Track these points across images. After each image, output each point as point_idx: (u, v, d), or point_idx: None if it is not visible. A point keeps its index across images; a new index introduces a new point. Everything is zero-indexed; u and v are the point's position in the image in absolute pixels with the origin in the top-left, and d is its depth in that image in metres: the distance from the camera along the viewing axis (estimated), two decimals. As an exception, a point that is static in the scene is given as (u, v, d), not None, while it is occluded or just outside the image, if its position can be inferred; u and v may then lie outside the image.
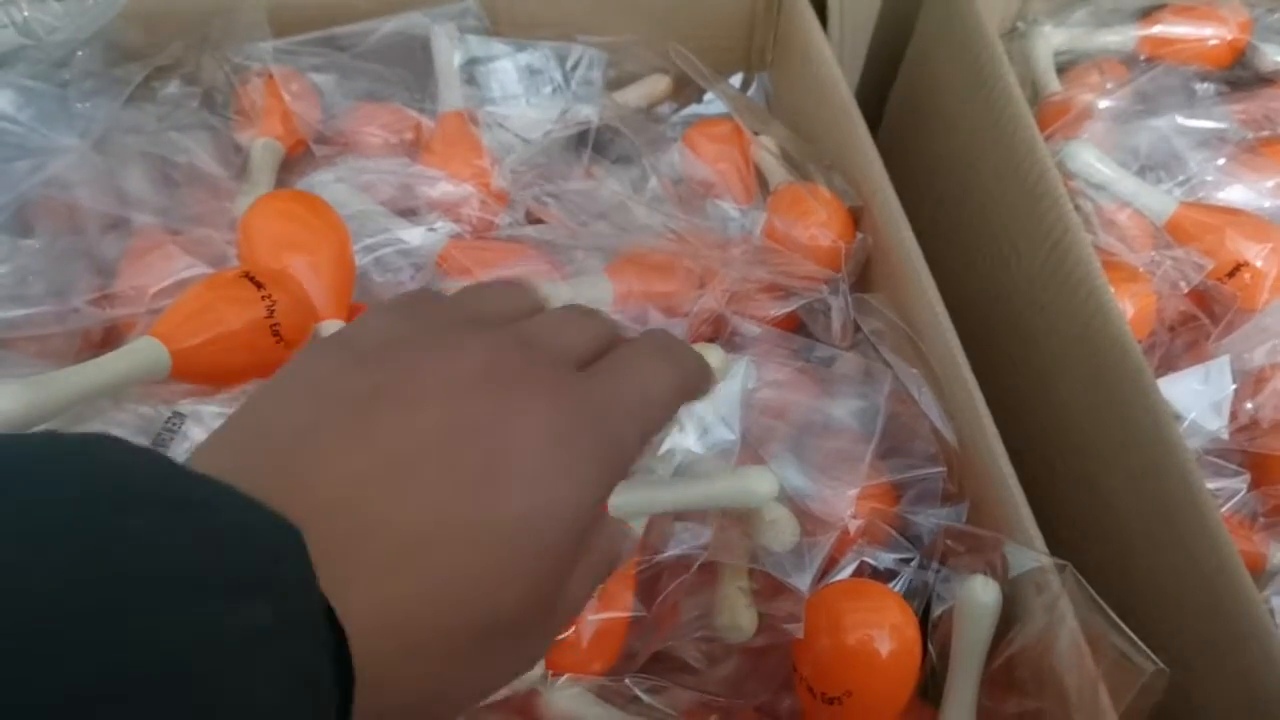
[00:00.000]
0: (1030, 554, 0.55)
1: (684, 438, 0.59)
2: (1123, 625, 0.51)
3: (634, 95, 0.87)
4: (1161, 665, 0.49)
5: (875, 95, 0.97)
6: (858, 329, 0.69)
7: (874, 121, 0.97)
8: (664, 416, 0.38)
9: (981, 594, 0.55)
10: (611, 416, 0.35)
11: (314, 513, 0.28)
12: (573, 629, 0.55)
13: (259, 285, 0.56)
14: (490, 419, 0.32)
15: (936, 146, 0.86)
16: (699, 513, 0.57)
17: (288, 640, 0.24)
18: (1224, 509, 0.68)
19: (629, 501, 0.52)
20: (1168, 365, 0.74)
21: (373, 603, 0.28)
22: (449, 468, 0.30)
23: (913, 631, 0.55)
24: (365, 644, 0.27)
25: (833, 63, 0.77)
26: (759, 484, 0.55)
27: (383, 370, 0.33)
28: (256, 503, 0.26)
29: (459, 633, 0.30)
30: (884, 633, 0.54)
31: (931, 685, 0.58)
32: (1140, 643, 0.50)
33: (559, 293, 0.66)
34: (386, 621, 0.28)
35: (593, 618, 0.55)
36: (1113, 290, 0.67)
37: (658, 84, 0.87)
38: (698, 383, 0.41)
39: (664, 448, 0.59)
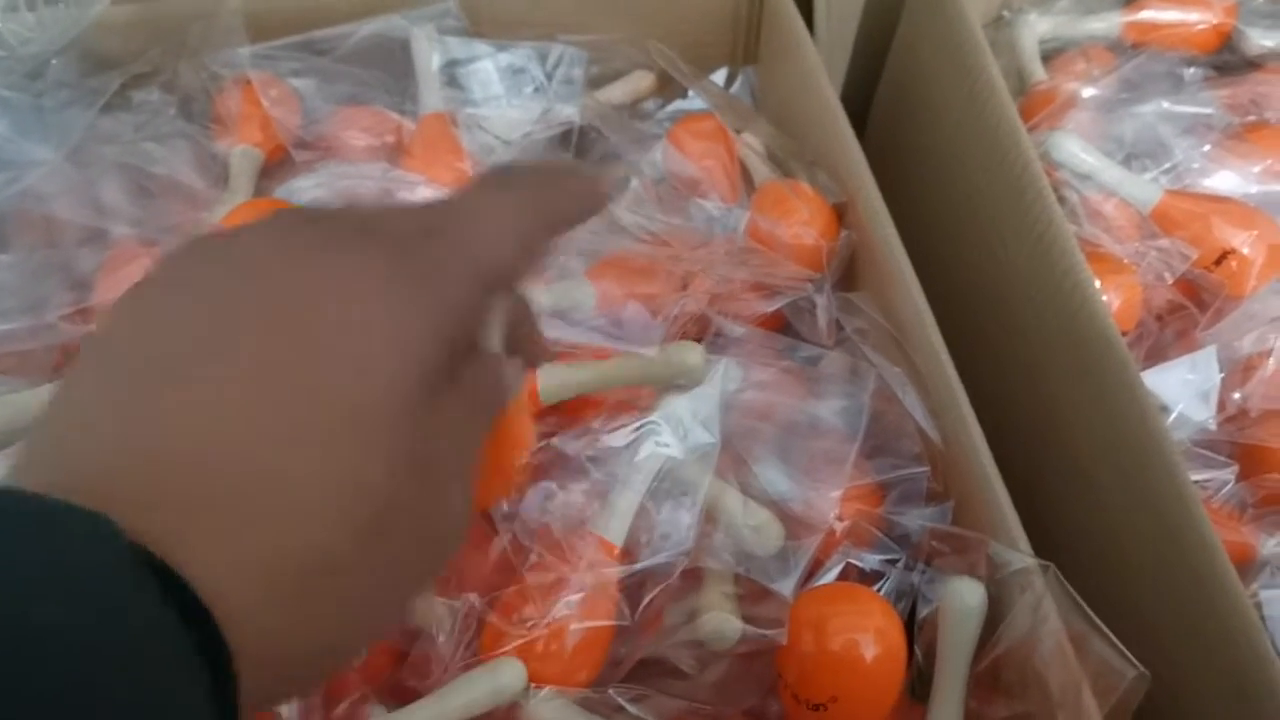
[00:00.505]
0: (1014, 554, 0.55)
1: (663, 441, 0.59)
2: (1104, 628, 0.50)
3: (618, 92, 0.86)
4: (1142, 670, 0.49)
5: (864, 86, 0.96)
6: (841, 328, 0.68)
7: (864, 113, 0.96)
8: (512, 257, 0.36)
9: (966, 596, 0.55)
10: (441, 272, 0.33)
11: (156, 469, 0.27)
12: (554, 638, 0.54)
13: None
14: (306, 300, 0.30)
15: (924, 139, 0.85)
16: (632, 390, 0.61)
17: (120, 631, 0.23)
18: (1213, 500, 0.67)
19: (554, 384, 0.59)
20: (1158, 354, 0.73)
21: (240, 552, 0.26)
22: (272, 370, 0.29)
23: (897, 635, 0.54)
24: (238, 599, 0.26)
25: (815, 58, 0.77)
26: (688, 355, 0.60)
27: (193, 279, 0.31)
28: (63, 503, 0.25)
29: (340, 544, 0.28)
30: (868, 637, 0.54)
31: (919, 684, 0.57)
32: (1121, 646, 0.50)
33: (539, 298, 0.66)
34: (261, 564, 0.27)
35: (576, 626, 0.54)
36: (1098, 282, 0.67)
37: (641, 80, 0.87)
38: (570, 207, 0.38)
39: (642, 453, 0.58)
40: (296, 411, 0.28)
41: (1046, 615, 0.53)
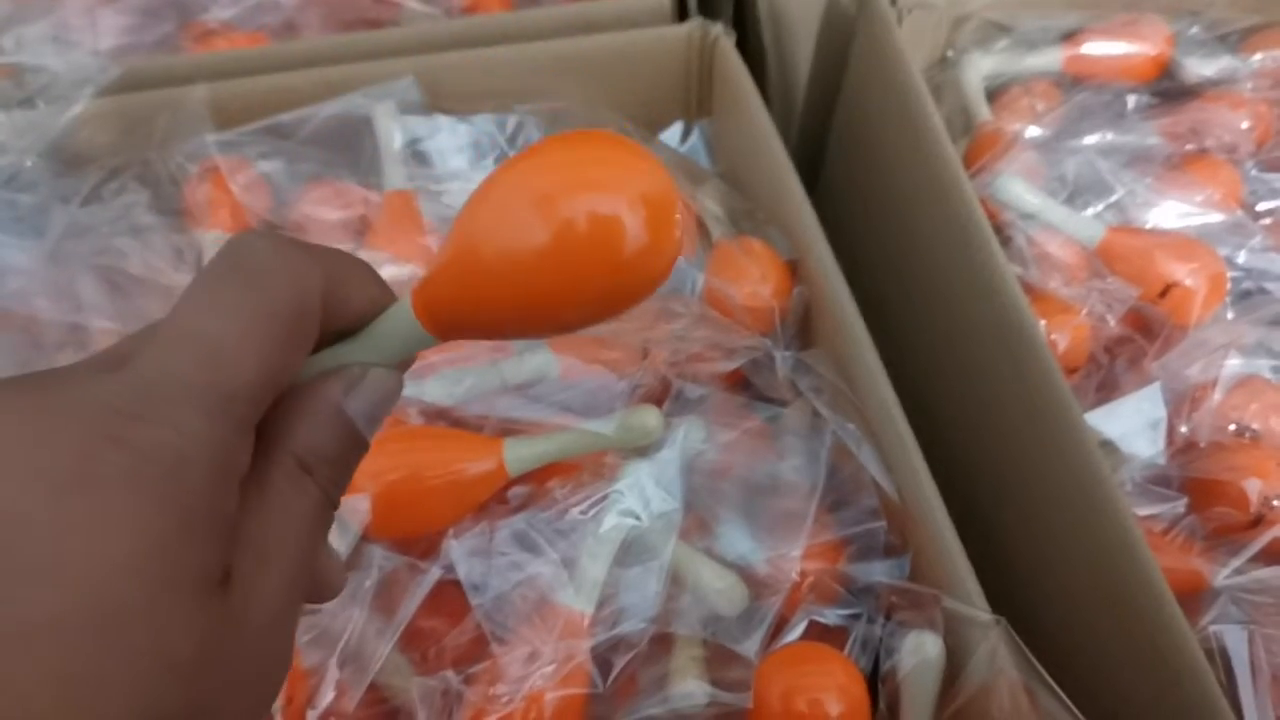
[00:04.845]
0: (967, 609, 0.57)
1: (626, 510, 0.61)
2: (1049, 680, 0.52)
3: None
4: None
5: (820, 131, 0.98)
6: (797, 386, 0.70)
7: (821, 156, 0.98)
8: (237, 372, 0.28)
9: (923, 650, 0.57)
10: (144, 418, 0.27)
11: None
12: (530, 709, 0.56)
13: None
14: None
15: (873, 186, 0.87)
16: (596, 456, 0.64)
17: None
18: (1166, 533, 0.69)
19: (521, 456, 0.61)
20: (1111, 386, 0.75)
21: None
22: None
23: (859, 691, 0.57)
24: None
25: (763, 114, 0.78)
26: (646, 419, 0.62)
27: None
28: None
29: None
30: (831, 696, 0.56)
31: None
32: (1065, 699, 0.52)
33: (506, 370, 0.68)
34: None
35: (551, 696, 0.57)
36: (1044, 324, 0.69)
37: (601, 138, 0.89)
38: (288, 299, 0.30)
39: (607, 524, 0.60)
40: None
41: (1002, 666, 0.55)
